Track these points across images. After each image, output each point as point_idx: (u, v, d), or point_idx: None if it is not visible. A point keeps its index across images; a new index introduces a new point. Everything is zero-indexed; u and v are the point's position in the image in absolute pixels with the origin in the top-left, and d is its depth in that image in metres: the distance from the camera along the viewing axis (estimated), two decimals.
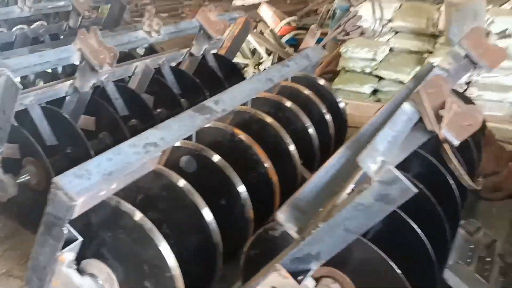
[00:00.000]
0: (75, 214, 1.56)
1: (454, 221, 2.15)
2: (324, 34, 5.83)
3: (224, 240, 1.99)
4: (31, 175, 2.55)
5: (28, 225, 2.61)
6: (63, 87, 2.75)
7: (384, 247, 1.70)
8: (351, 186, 1.54)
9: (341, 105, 3.23)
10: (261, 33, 6.33)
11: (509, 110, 4.29)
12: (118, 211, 1.74)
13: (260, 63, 6.04)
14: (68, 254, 1.68)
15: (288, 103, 2.81)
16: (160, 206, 1.98)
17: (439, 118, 1.54)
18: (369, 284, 1.65)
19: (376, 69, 4.85)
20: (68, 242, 1.66)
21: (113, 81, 3.04)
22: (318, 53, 3.35)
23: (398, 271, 1.58)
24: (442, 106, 1.55)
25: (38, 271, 1.74)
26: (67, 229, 1.60)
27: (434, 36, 4.88)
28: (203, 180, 2.13)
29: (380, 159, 1.28)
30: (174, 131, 2.02)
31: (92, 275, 1.79)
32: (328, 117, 3.00)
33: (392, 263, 1.58)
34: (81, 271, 1.78)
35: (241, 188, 2.14)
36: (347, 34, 5.20)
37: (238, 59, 6.04)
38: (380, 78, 4.86)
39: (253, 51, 6.15)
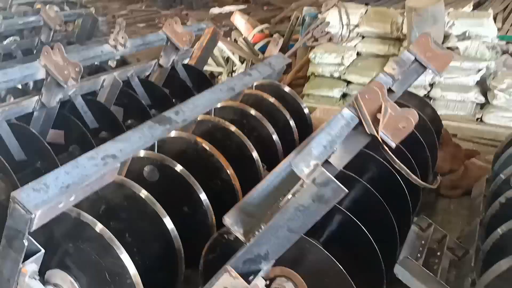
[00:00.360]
0: (34, 227, 1.61)
1: (406, 218, 2.26)
2: (295, 41, 5.97)
3: (187, 246, 2.07)
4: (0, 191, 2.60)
5: None
6: (30, 103, 2.79)
7: (335, 248, 1.80)
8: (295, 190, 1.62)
9: (306, 110, 3.34)
10: (235, 41, 6.43)
11: (471, 109, 4.42)
12: (79, 222, 1.80)
13: (233, 71, 6.12)
14: (30, 266, 1.72)
15: (252, 111, 2.90)
16: (123, 215, 2.05)
17: (376, 122, 1.64)
18: (319, 282, 1.74)
19: (344, 73, 4.95)
20: (31, 254, 1.71)
21: (82, 95, 3.10)
22: (281, 61, 3.44)
23: (342, 269, 1.68)
24: (379, 110, 1.65)
25: (3, 283, 1.78)
26: (28, 241, 1.66)
27: (399, 40, 5.00)
28: (165, 188, 2.21)
29: (314, 163, 1.37)
30: (133, 142, 2.08)
31: (55, 285, 1.84)
32: (291, 122, 3.10)
33: (337, 263, 1.68)
34: (45, 282, 1.83)
35: (203, 196, 2.23)
36: (316, 40, 5.31)
37: (211, 67, 6.13)
38: (349, 82, 4.97)
39: (227, 59, 6.23)
